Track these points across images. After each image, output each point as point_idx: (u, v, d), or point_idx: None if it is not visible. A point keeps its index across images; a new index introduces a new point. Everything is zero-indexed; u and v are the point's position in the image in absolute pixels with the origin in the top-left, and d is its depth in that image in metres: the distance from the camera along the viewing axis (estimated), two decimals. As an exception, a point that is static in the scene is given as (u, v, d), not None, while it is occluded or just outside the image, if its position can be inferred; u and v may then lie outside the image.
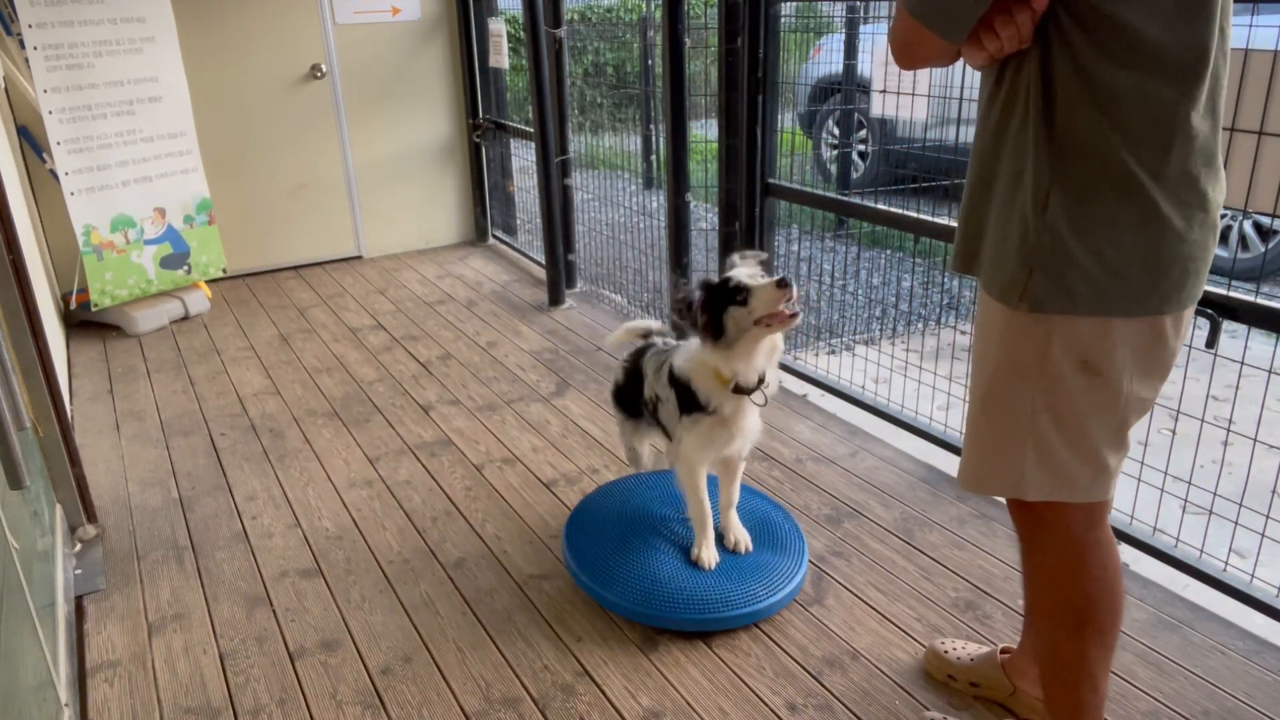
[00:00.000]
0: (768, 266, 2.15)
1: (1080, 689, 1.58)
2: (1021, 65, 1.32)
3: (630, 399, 2.54)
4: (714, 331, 2.05)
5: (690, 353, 2.20)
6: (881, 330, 4.37)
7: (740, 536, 2.37)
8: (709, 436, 2.19)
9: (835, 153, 5.59)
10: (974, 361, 1.51)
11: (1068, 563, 1.53)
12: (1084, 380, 1.36)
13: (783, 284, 1.95)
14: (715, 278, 2.10)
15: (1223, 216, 1.39)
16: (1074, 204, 1.30)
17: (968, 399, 1.54)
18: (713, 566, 2.27)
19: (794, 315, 1.98)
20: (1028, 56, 1.31)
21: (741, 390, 2.11)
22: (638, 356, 2.52)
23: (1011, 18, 1.26)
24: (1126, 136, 1.26)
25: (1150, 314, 1.33)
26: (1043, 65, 1.29)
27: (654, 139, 5.63)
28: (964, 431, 1.56)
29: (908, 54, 1.37)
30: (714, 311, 2.04)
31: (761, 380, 2.12)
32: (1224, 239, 4.37)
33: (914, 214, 2.89)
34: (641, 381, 2.45)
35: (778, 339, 2.11)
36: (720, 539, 2.38)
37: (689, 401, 2.19)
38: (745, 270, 2.07)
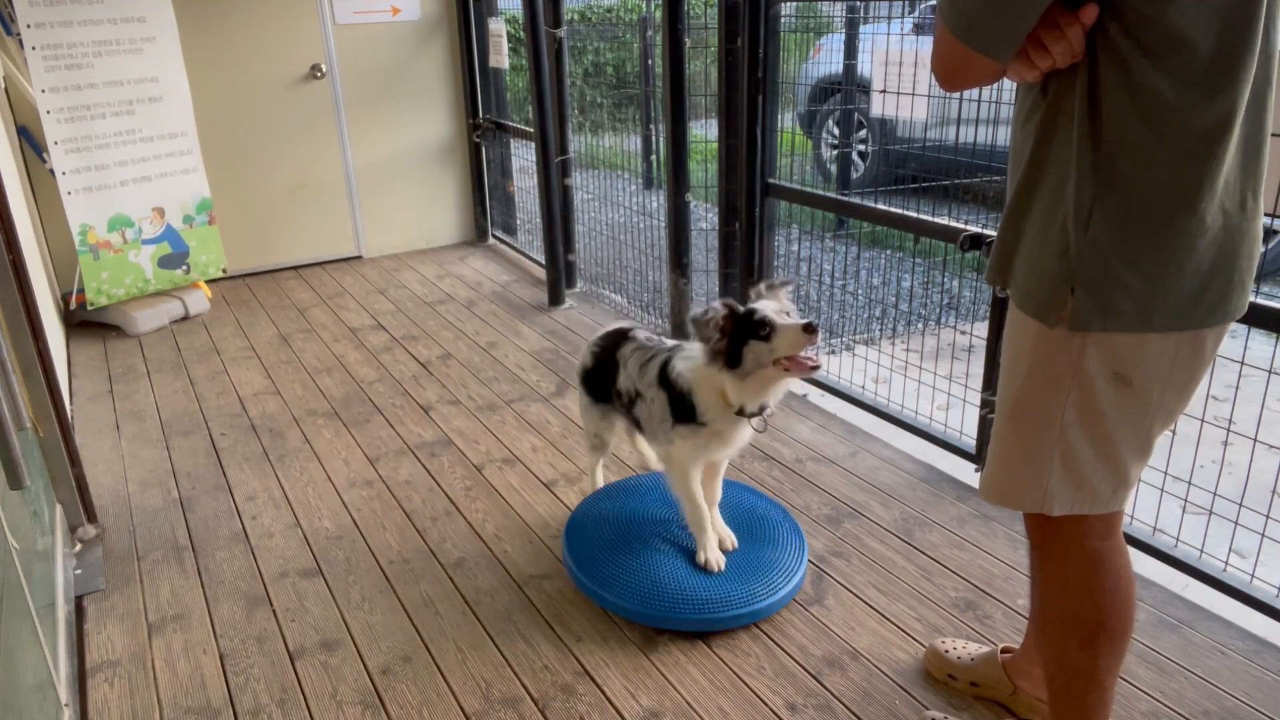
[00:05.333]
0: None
1: (1088, 697, 1.57)
2: (1066, 78, 1.28)
3: (600, 384, 2.46)
4: (729, 360, 2.02)
5: (696, 362, 2.15)
6: (881, 330, 4.37)
7: (724, 534, 2.38)
8: (703, 447, 2.19)
9: (835, 153, 5.59)
10: (1002, 373, 1.49)
11: (1083, 572, 1.51)
12: (1114, 390, 1.35)
13: (810, 329, 1.93)
14: (741, 305, 2.05)
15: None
16: (1119, 221, 1.26)
17: (995, 412, 1.52)
18: (721, 568, 2.27)
19: (815, 366, 1.96)
20: (1072, 69, 1.26)
21: (741, 413, 2.11)
22: (611, 344, 2.44)
23: (1062, 32, 1.22)
24: (1176, 150, 1.23)
25: (1194, 328, 1.31)
26: (1089, 79, 1.25)
27: (654, 139, 5.63)
28: (990, 445, 1.54)
29: (955, 77, 1.32)
30: (734, 340, 2.01)
31: (764, 408, 2.11)
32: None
33: (914, 214, 2.89)
34: (613, 369, 2.39)
35: (790, 382, 2.09)
36: None
37: (682, 409, 2.17)
38: (773, 305, 2.04)
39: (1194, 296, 1.29)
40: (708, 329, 2.02)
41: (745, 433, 2.20)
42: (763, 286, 2.11)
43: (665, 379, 2.22)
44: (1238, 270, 1.31)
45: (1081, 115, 1.27)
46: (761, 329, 1.97)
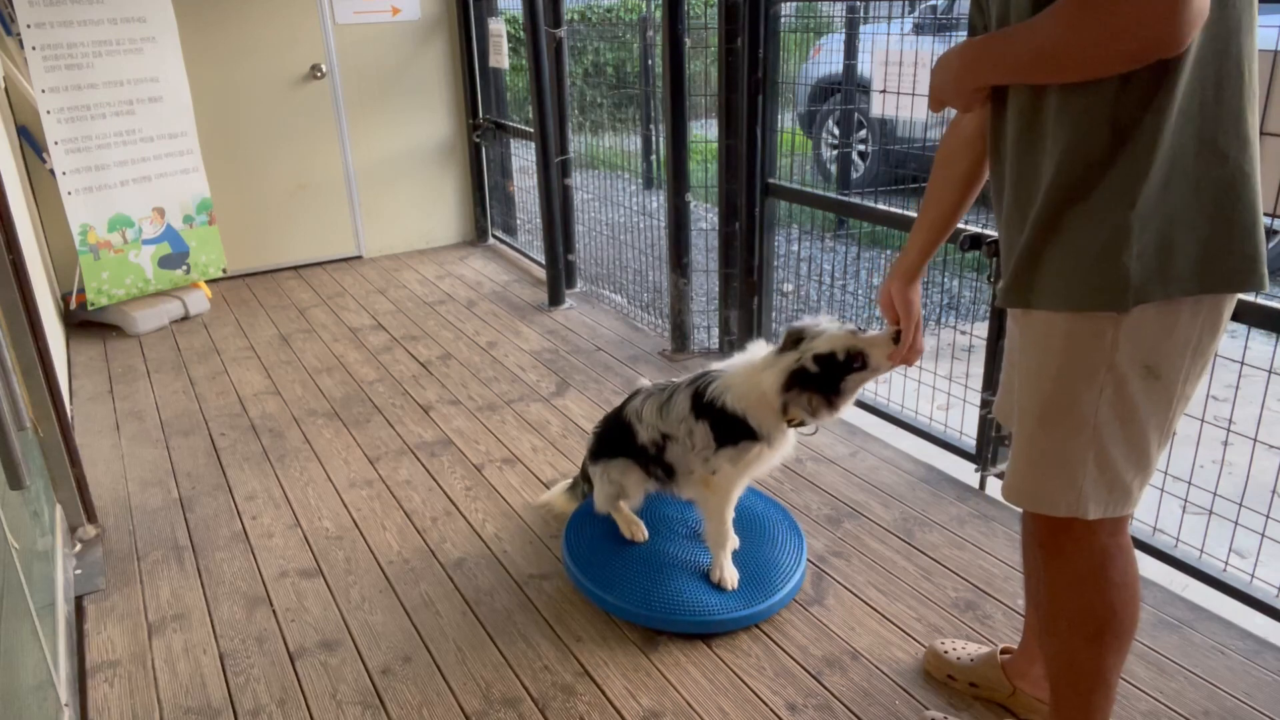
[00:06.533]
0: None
1: (1093, 695, 1.56)
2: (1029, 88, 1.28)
3: (618, 444, 2.37)
4: (830, 402, 2.01)
5: (742, 386, 2.12)
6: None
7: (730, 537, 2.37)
8: (754, 464, 2.16)
9: (835, 153, 5.59)
10: (1027, 377, 1.46)
11: (1092, 570, 1.51)
12: (1144, 384, 1.34)
13: (898, 337, 1.92)
14: (813, 357, 2.00)
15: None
16: (1160, 184, 1.24)
17: (1017, 416, 1.49)
18: (735, 586, 2.25)
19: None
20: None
21: (795, 424, 2.11)
22: (611, 417, 2.42)
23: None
24: (1199, 96, 1.22)
25: (1258, 287, 1.30)
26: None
27: (654, 139, 5.63)
28: (1014, 448, 1.51)
29: (1184, 32, 1.11)
30: (828, 383, 1.99)
31: None
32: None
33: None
34: (626, 430, 2.33)
35: None
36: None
37: (728, 433, 2.13)
38: (834, 328, 2.03)
39: (1252, 254, 1.28)
40: (813, 410, 2.02)
41: (791, 441, 2.19)
42: (816, 323, 2.08)
43: (701, 408, 2.17)
44: (1261, 228, 1.30)
45: (1067, 98, 1.27)
46: (855, 362, 1.98)
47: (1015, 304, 1.42)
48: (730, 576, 2.26)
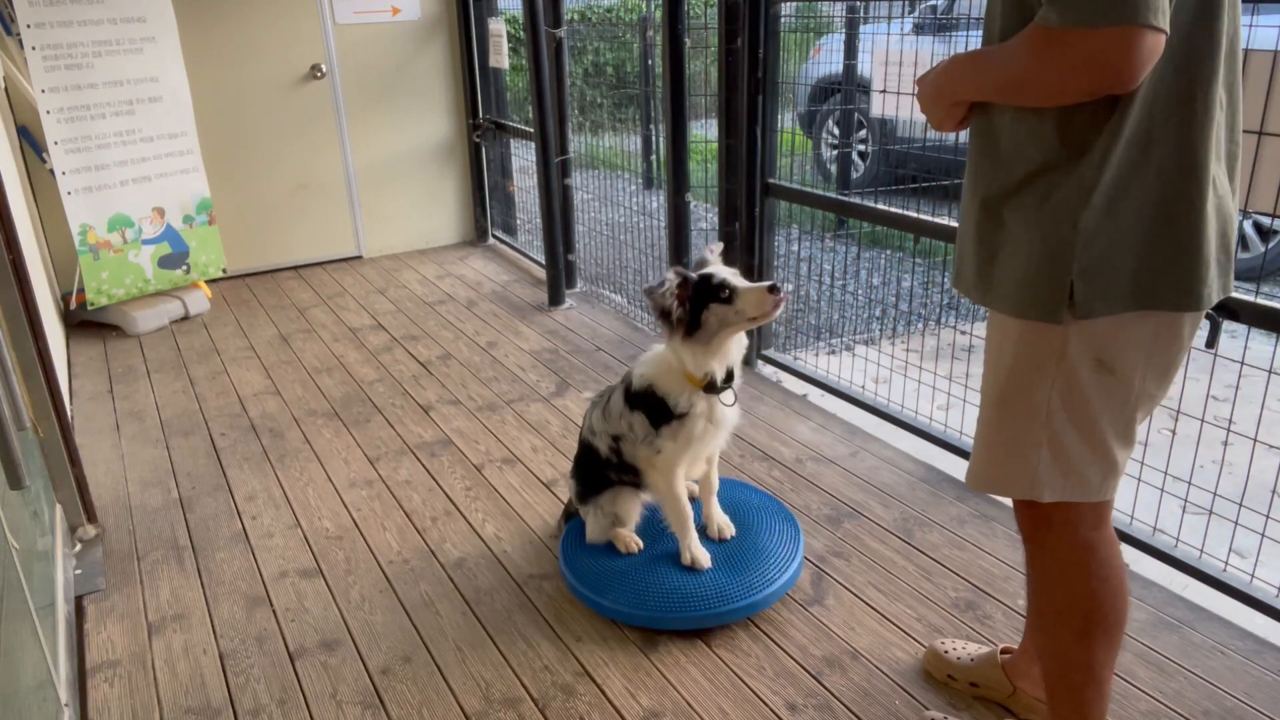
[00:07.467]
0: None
1: (1086, 690, 1.57)
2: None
3: (594, 474, 2.37)
4: (690, 326, 2.04)
5: (649, 361, 2.19)
6: (881, 330, 4.37)
7: (722, 523, 2.38)
8: (697, 438, 2.16)
9: (835, 153, 5.59)
10: (987, 364, 1.50)
11: (1075, 563, 1.52)
12: (1097, 378, 1.37)
13: (774, 289, 1.99)
14: (693, 272, 2.07)
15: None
16: (1103, 206, 1.28)
17: (980, 400, 1.53)
18: (707, 565, 2.25)
19: (778, 304, 2.01)
20: None
21: (712, 389, 2.12)
22: (580, 446, 2.43)
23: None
24: (1147, 124, 1.25)
25: (1195, 309, 1.32)
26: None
27: (654, 139, 5.63)
28: (975, 433, 1.55)
29: (1134, 70, 1.15)
30: (693, 306, 2.03)
31: (729, 377, 2.13)
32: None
33: (914, 214, 2.89)
34: (591, 451, 2.34)
35: (743, 337, 2.14)
36: (703, 530, 2.37)
37: (660, 414, 2.15)
38: (724, 269, 2.08)
39: (1188, 277, 1.30)
40: (665, 299, 2.03)
41: (724, 410, 2.18)
42: (706, 253, 2.15)
43: (631, 399, 2.21)
44: (1226, 237, 1.32)
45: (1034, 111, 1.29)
46: (722, 291, 2.01)
47: (976, 300, 1.48)
48: (700, 556, 2.25)
